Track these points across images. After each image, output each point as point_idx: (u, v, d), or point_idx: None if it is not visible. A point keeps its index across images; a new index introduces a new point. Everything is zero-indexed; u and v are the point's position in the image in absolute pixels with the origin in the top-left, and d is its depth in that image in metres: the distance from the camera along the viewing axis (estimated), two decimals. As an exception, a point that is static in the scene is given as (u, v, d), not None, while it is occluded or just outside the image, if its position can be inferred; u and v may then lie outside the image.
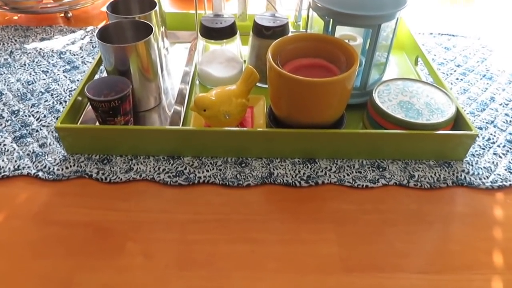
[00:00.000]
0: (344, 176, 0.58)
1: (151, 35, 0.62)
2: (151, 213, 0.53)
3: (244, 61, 0.75)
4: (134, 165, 0.59)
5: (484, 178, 0.58)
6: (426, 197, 0.56)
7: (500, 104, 0.72)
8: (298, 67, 0.61)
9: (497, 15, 1.04)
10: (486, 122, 0.68)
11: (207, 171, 0.58)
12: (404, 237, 0.51)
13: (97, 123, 0.61)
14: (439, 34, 0.93)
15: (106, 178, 0.57)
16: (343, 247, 0.49)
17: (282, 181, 0.57)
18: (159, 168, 0.58)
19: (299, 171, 0.58)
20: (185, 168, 0.58)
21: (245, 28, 0.79)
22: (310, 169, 0.59)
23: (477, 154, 0.62)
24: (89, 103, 0.60)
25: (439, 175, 0.58)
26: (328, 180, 0.57)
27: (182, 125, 0.64)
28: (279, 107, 0.60)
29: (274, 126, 0.62)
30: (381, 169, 0.59)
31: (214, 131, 0.58)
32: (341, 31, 0.71)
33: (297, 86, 0.54)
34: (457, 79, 0.79)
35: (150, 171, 0.58)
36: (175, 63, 0.80)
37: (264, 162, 0.60)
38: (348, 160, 0.60)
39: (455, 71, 0.81)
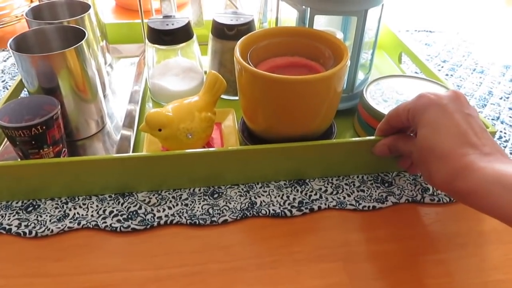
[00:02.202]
0: (344, 198, 0.46)
1: (83, 41, 0.48)
2: (96, 274, 0.38)
3: (205, 72, 0.63)
4: (70, 210, 0.44)
5: (509, 184, 0.48)
6: (448, 213, 0.45)
7: (501, 98, 0.64)
8: (273, 68, 0.49)
9: (467, 8, 0.98)
10: (492, 119, 0.59)
11: (170, 208, 0.44)
12: (435, 269, 0.39)
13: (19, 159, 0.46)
14: (416, 31, 0.85)
15: (31, 232, 0.42)
16: (361, 294, 0.37)
17: (268, 212, 0.44)
18: (104, 211, 0.44)
19: (287, 197, 0.46)
20: (140, 207, 0.44)
21: (202, 37, 0.67)
22: (301, 192, 0.47)
23: (493, 156, 0.52)
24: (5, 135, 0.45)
25: (457, 185, 0.48)
26: (325, 204, 0.45)
27: (133, 152, 0.51)
28: (255, 118, 0.48)
29: (249, 143, 0.50)
30: (387, 185, 0.48)
31: (174, 156, 0.45)
32: (317, 26, 0.60)
33: (277, 88, 0.42)
34: (447, 75, 0.70)
35: (92, 215, 0.43)
36: (122, 80, 0.67)
37: (242, 189, 0.47)
38: (345, 177, 0.49)
39: (442, 67, 0.72)
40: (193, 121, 0.46)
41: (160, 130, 0.45)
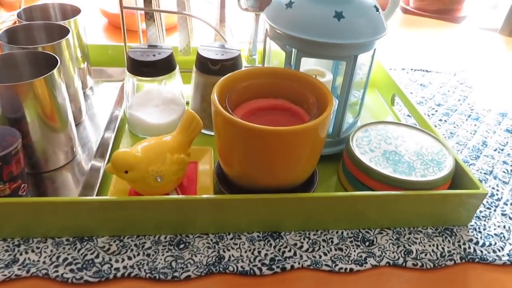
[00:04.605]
0: (320, 257, 0.43)
1: (55, 70, 0.45)
2: (38, 333, 0.35)
3: (187, 103, 0.60)
4: (21, 254, 0.41)
5: (498, 250, 0.45)
6: (431, 280, 0.42)
7: (495, 150, 0.61)
8: (254, 110, 0.46)
9: (467, 50, 0.96)
10: (485, 173, 0.56)
11: (130, 258, 0.41)
12: None
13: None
14: (412, 69, 0.83)
15: (-26, 278, 0.38)
16: None
17: (235, 269, 0.41)
18: (58, 257, 0.40)
19: (259, 252, 0.43)
20: (97, 256, 0.41)
21: (190, 64, 0.64)
22: (274, 247, 0.43)
23: (482, 217, 0.49)
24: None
25: (443, 248, 0.44)
26: (299, 263, 0.42)
27: (101, 186, 0.47)
28: (230, 164, 0.44)
29: (224, 188, 0.46)
30: (367, 243, 0.44)
31: (139, 201, 0.42)
32: (306, 65, 0.58)
33: (253, 137, 0.39)
34: (441, 120, 0.67)
35: (44, 262, 0.40)
36: (102, 105, 0.64)
37: (211, 240, 0.44)
38: (324, 232, 0.45)
39: (436, 111, 0.70)
40: (163, 163, 0.43)
41: (126, 172, 0.42)
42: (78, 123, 0.59)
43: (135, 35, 0.68)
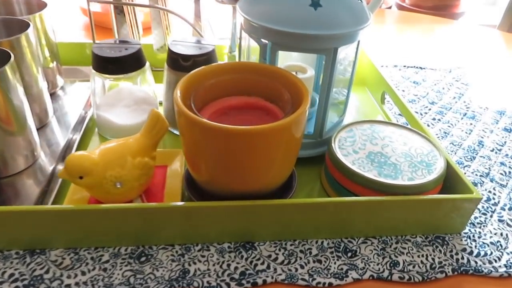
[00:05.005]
0: (296, 270, 0.38)
1: (7, 66, 0.42)
2: None
3: (161, 103, 0.56)
4: (-38, 270, 0.37)
5: (495, 260, 0.41)
6: (419, 296, 0.38)
7: (492, 150, 0.56)
8: (225, 109, 0.42)
9: (465, 46, 0.92)
10: (480, 175, 0.52)
11: (84, 273, 0.37)
12: None
13: None
14: (404, 66, 0.79)
15: None
16: None
17: (201, 284, 0.37)
18: (3, 273, 0.36)
19: (228, 265, 0.38)
20: (47, 271, 0.37)
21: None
22: (246, 259, 0.39)
23: (477, 223, 0.45)
24: None
25: (433, 259, 0.40)
26: (272, 277, 0.38)
27: (61, 193, 0.44)
28: (197, 169, 0.40)
29: (193, 195, 0.42)
30: (349, 254, 0.40)
31: (95, 210, 0.38)
32: (287, 61, 0.54)
33: (218, 138, 0.35)
34: (434, 119, 0.63)
35: (-12, 279, 0.36)
36: (72, 106, 0.60)
37: (177, 251, 0.40)
38: (302, 242, 0.41)
39: (429, 109, 0.65)
40: (124, 168, 0.39)
41: (81, 177, 0.38)
42: (43, 125, 0.55)
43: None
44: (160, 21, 0.60)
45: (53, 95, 0.61)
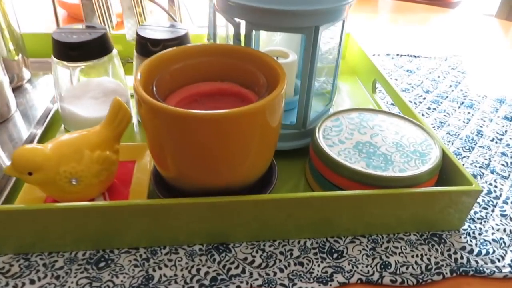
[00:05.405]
0: (275, 274, 0.34)
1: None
2: None
3: (132, 95, 0.52)
4: None
5: (498, 260, 0.36)
6: (413, 301, 0.33)
7: (492, 140, 0.52)
8: (195, 96, 0.38)
9: (461, 35, 0.88)
10: (480, 167, 0.48)
11: (33, 282, 0.33)
12: None
13: None
14: (397, 55, 0.74)
15: None
16: None
17: (166, 292, 0.32)
18: None
19: (198, 270, 0.34)
20: (-8, 280, 0.33)
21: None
22: (219, 263, 0.35)
23: (478, 219, 0.41)
24: None
25: (428, 259, 0.36)
26: (247, 283, 0.33)
27: (15, 192, 0.39)
28: (164, 163, 0.36)
29: (161, 192, 0.38)
30: (335, 255, 0.36)
31: (49, 210, 0.33)
32: (268, 45, 0.50)
33: (184, 126, 0.31)
34: (429, 108, 0.59)
35: None
36: (39, 100, 0.56)
37: (141, 255, 0.35)
38: (282, 243, 0.37)
39: (424, 98, 0.61)
40: (80, 163, 0.35)
41: (30, 173, 0.34)
42: (4, 120, 0.51)
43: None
44: (132, 7, 0.56)
45: (19, 88, 0.57)
